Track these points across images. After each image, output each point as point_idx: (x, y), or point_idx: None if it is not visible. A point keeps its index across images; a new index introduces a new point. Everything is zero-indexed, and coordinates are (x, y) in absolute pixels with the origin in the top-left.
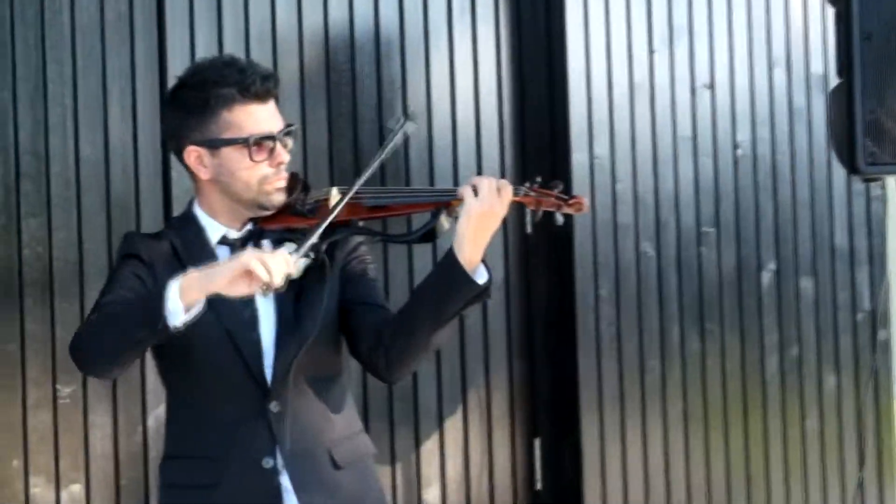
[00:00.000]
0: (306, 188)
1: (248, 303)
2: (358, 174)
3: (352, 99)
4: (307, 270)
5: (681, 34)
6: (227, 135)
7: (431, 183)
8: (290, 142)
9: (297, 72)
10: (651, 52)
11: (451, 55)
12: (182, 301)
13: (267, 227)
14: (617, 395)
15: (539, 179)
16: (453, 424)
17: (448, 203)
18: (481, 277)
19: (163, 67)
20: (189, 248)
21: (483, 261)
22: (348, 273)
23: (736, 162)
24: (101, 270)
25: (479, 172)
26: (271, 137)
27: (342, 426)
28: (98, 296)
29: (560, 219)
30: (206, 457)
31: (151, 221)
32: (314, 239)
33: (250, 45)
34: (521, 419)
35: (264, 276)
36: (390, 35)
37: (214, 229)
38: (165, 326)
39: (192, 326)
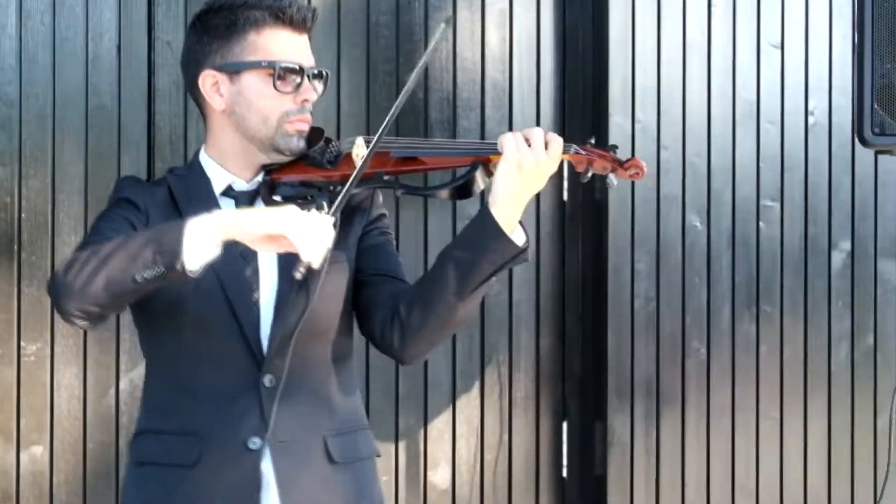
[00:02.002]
0: (328, 142)
1: (248, 259)
2: (373, 132)
3: (365, 50)
4: None
5: None
6: (252, 58)
7: None
8: (319, 86)
9: None
10: (709, 5)
11: (482, 2)
12: (204, 243)
13: (280, 179)
14: (651, 379)
15: (593, 140)
16: (467, 402)
17: (487, 158)
18: (518, 240)
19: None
20: (189, 198)
21: (521, 224)
22: (367, 242)
23: (807, 130)
24: (74, 223)
25: None
26: (300, 70)
27: (344, 416)
28: (83, 238)
29: (614, 182)
30: (187, 432)
31: (132, 172)
32: (346, 195)
33: None
34: (547, 401)
35: (304, 254)
36: None
37: (220, 178)
38: (182, 268)
39: (184, 282)
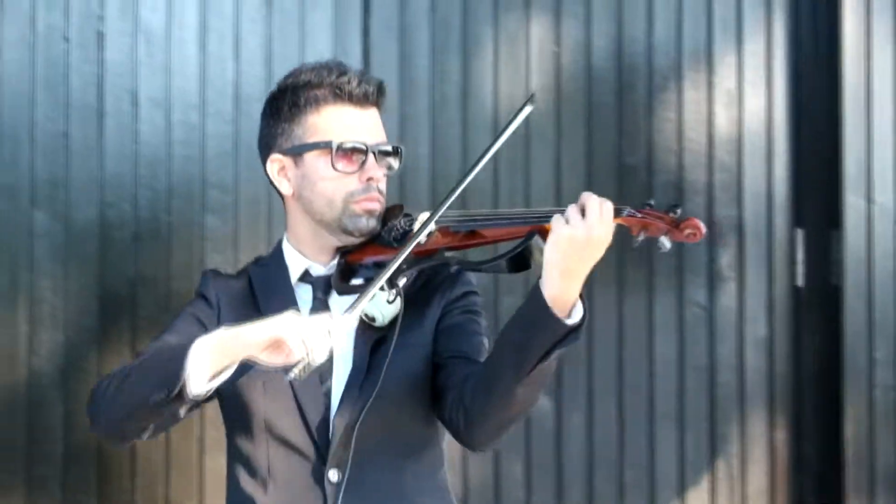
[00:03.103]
0: (407, 217)
1: None
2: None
3: (586, 134)
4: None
5: None
6: (312, 139)
7: None
8: (393, 162)
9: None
10: None
11: (710, 79)
12: (209, 365)
13: (354, 262)
14: (894, 473)
15: (652, 202)
16: (697, 496)
17: (543, 227)
18: (575, 316)
19: None
20: (266, 288)
21: (582, 299)
22: (446, 322)
23: None
24: None
25: (740, 219)
26: (362, 149)
27: None
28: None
29: (666, 245)
30: None
31: None
32: (381, 283)
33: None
34: (782, 495)
35: (299, 354)
36: (634, 56)
37: (298, 264)
38: (184, 394)
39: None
